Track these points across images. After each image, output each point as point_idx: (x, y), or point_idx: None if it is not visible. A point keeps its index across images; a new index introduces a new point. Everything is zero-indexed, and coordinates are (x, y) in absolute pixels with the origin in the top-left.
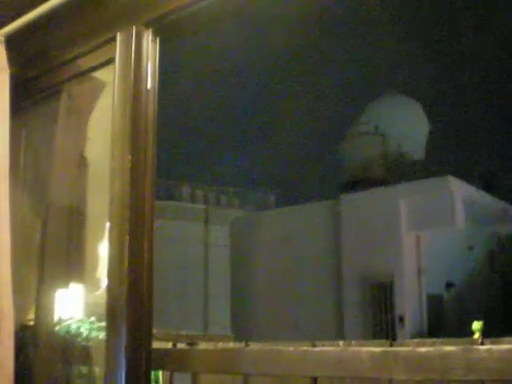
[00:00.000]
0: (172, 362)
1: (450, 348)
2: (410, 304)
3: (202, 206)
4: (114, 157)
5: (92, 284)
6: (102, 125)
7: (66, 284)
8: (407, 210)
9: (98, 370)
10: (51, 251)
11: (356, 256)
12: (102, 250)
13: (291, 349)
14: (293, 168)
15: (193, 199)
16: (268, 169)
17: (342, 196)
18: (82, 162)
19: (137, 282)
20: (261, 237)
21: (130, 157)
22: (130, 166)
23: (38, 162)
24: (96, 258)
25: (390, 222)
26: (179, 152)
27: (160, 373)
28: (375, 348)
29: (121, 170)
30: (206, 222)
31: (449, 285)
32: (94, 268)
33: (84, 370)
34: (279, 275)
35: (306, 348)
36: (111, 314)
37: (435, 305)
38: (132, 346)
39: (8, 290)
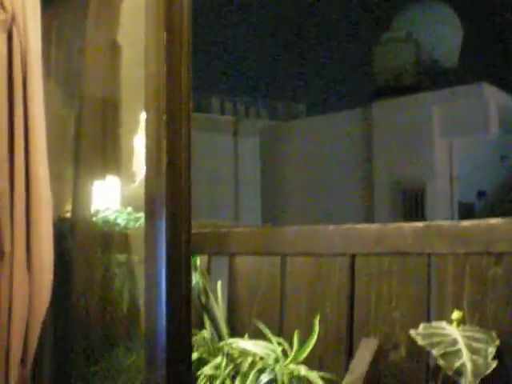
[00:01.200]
0: (210, 245)
1: (494, 221)
2: (441, 212)
3: (231, 118)
4: (149, 40)
5: (127, 176)
6: (135, 11)
7: (101, 176)
8: (440, 117)
9: (137, 258)
10: (87, 144)
11: (388, 163)
12: (137, 142)
13: (331, 227)
14: (323, 77)
15: (222, 111)
16: (298, 78)
17: (373, 103)
18: (115, 51)
19: (175, 170)
20: (291, 146)
21: (165, 39)
22: (165, 48)
23: (70, 54)
24: (131, 151)
25: (423, 129)
26: (208, 63)
27: (198, 258)
28: (418, 223)
29: (156, 53)
30: (235, 133)
31: (480, 194)
32: (129, 160)
33: (122, 258)
34: (310, 183)
35: (346, 226)
36: (150, 203)
37: (466, 213)
38: (172, 231)
39: (46, 178)
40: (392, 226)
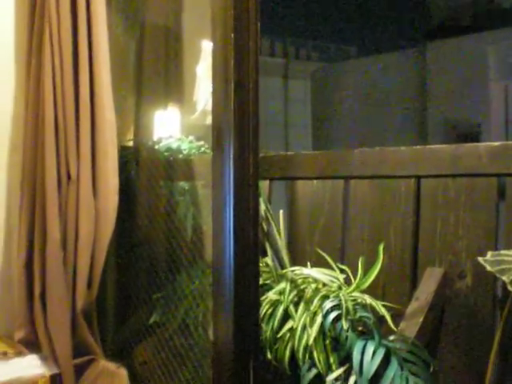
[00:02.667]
0: (272, 170)
1: None
2: None
3: (281, 60)
4: None
5: (189, 106)
6: None
7: (163, 105)
8: (496, 59)
9: (201, 184)
10: (148, 72)
11: (442, 105)
12: (200, 72)
13: (401, 148)
14: (375, 17)
15: (271, 53)
16: (349, 19)
17: (428, 44)
18: None
19: (243, 92)
20: (343, 88)
21: None
22: None
23: None
24: (193, 80)
25: (478, 71)
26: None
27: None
28: (494, 143)
29: None
30: (286, 76)
31: None
32: (192, 90)
33: (186, 184)
34: (362, 126)
35: (416, 147)
36: (218, 129)
37: None
38: (239, 154)
39: (110, 104)
40: (467, 145)
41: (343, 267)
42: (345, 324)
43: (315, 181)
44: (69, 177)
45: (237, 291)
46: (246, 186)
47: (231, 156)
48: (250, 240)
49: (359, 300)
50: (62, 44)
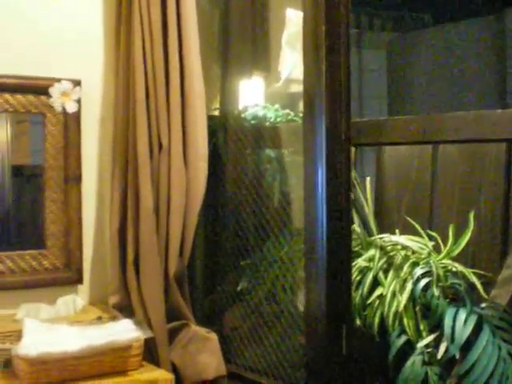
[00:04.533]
0: (358, 136)
1: None
2: None
3: (355, 30)
4: None
5: (274, 74)
6: None
7: (248, 74)
8: None
9: (288, 152)
10: (234, 41)
11: None
12: (284, 40)
13: (497, 111)
14: None
15: None
16: None
17: (507, 10)
18: None
19: (335, 56)
20: (419, 57)
21: None
22: None
23: None
24: (277, 48)
25: None
26: None
27: None
28: None
29: None
30: (359, 46)
31: None
32: (276, 58)
33: (274, 152)
34: (438, 95)
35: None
36: (309, 95)
37: None
38: (331, 122)
39: (199, 73)
40: None
41: (432, 234)
42: (436, 291)
43: (403, 147)
44: (160, 146)
45: (329, 256)
46: (338, 152)
47: (323, 122)
48: (343, 206)
49: (449, 267)
50: (151, 12)
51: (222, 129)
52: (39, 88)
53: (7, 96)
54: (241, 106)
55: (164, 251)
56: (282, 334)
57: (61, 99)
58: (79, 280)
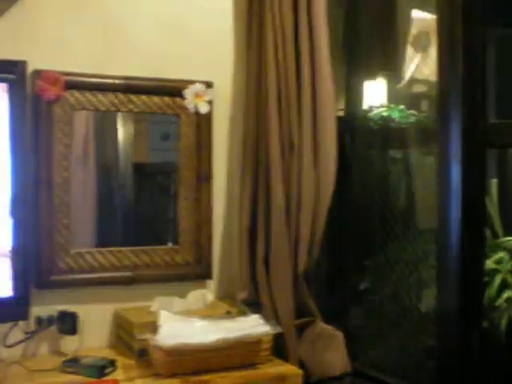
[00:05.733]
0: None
1: None
2: None
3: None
4: None
5: (397, 74)
6: None
7: (372, 74)
8: None
9: (415, 152)
10: (359, 41)
11: None
12: (409, 39)
13: None
14: None
15: None
16: None
17: None
18: None
19: (472, 57)
20: None
21: None
22: None
23: None
24: (402, 48)
25: None
26: None
27: None
28: None
29: None
30: None
31: None
32: (401, 59)
33: (400, 154)
34: None
35: None
36: (444, 96)
37: None
38: (467, 123)
39: (330, 75)
40: None
41: None
42: None
43: None
44: (291, 145)
45: (463, 257)
46: (474, 154)
47: (459, 123)
48: (478, 210)
49: None
50: (283, 11)
51: (348, 129)
52: (175, 90)
53: (144, 98)
54: (365, 107)
55: (294, 249)
56: (406, 333)
57: (194, 101)
58: (209, 275)
